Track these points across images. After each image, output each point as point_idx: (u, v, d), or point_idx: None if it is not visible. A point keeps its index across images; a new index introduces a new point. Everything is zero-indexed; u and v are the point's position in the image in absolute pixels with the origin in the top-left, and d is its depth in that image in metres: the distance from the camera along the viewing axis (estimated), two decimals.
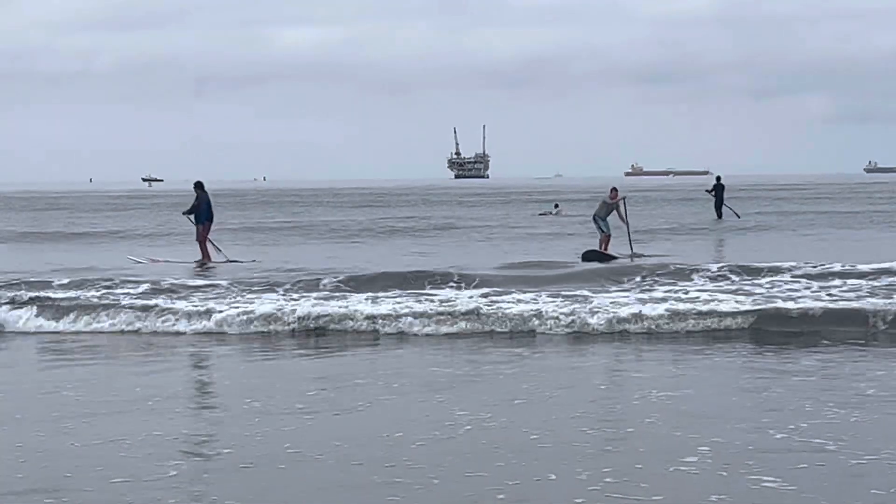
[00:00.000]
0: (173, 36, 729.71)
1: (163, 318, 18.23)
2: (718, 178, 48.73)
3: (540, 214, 55.16)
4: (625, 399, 12.32)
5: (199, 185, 28.48)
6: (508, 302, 18.68)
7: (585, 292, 19.50)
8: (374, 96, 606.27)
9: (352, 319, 17.87)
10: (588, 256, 27.41)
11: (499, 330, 17.53)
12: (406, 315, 17.87)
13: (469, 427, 10.69)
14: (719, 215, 46.85)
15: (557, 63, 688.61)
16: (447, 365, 14.72)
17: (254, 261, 27.96)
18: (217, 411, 11.81)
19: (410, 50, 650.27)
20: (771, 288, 19.86)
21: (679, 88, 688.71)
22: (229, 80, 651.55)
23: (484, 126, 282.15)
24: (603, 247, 28.91)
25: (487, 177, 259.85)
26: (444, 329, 17.54)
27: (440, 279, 21.21)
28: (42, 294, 19.68)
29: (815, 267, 21.43)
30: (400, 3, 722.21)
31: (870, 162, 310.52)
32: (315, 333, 17.62)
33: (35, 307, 18.94)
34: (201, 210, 28.09)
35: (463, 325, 17.63)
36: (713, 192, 47.47)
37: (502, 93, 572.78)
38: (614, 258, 27.27)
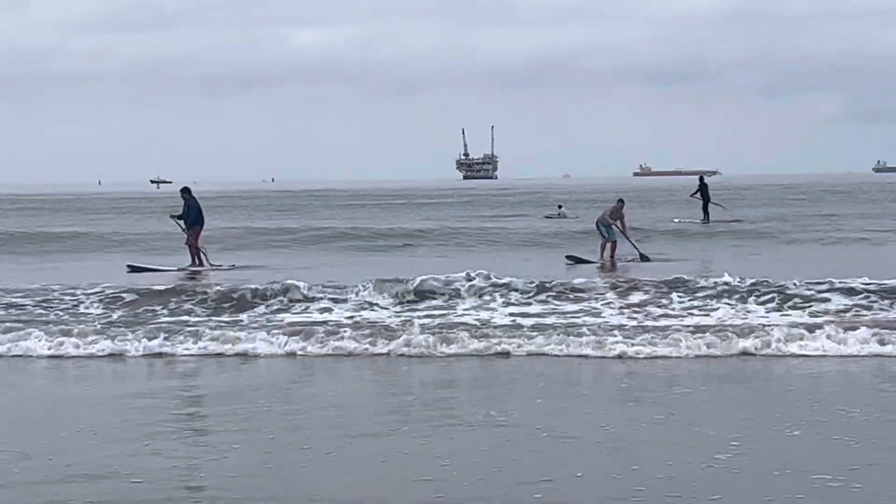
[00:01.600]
0: (183, 37, 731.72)
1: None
2: (702, 178, 46.80)
3: (545, 217, 54.39)
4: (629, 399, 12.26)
5: (186, 191, 28.53)
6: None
7: None
8: (382, 97, 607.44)
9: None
10: (571, 259, 28.67)
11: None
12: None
13: (481, 427, 10.62)
14: (707, 218, 44.67)
15: (566, 63, 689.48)
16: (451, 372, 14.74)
17: (233, 266, 27.95)
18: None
19: (419, 50, 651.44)
20: None
21: (688, 88, 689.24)
22: (238, 81, 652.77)
23: (492, 127, 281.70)
24: (606, 252, 28.86)
25: (496, 178, 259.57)
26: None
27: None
28: None
29: None
30: (409, 4, 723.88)
31: (879, 161, 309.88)
32: None
33: None
34: (190, 215, 27.84)
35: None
36: (699, 194, 44.87)
37: (510, 93, 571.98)
38: (590, 262, 28.06)
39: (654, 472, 8.82)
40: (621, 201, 29.79)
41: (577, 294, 19.72)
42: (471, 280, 20.23)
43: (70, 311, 19.56)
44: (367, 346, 15.78)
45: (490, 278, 20.30)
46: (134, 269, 27.15)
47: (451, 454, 9.55)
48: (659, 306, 18.75)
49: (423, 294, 19.92)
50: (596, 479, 8.72)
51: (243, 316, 18.82)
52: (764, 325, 16.48)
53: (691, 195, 46.24)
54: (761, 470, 8.87)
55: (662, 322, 17.40)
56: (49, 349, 16.03)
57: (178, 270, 27.01)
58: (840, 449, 9.60)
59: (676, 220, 46.41)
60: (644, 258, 28.54)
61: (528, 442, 9.99)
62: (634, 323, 17.37)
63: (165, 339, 16.30)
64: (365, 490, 8.52)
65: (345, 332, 16.47)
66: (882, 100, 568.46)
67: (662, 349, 15.12)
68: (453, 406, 11.74)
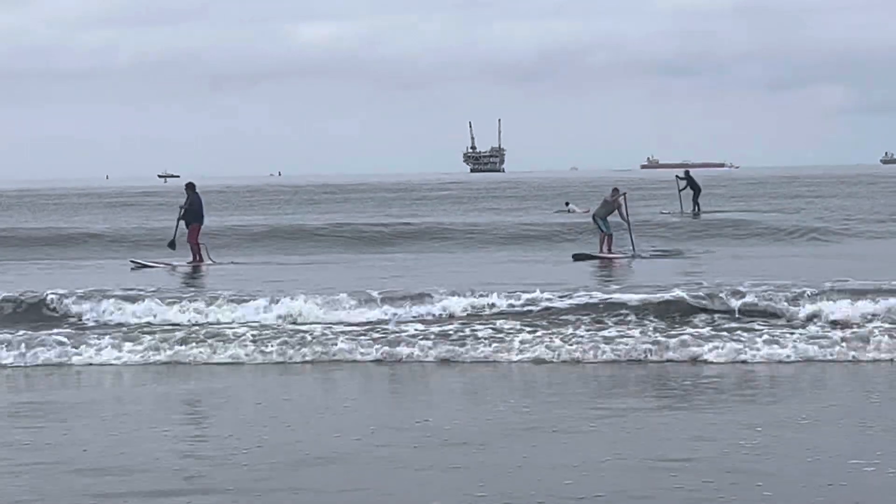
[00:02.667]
0: (190, 32, 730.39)
1: None
2: (687, 172, 46.84)
3: (556, 212, 54.13)
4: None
5: (190, 186, 28.51)
6: None
7: None
8: (389, 91, 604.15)
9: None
10: (579, 257, 27.95)
11: None
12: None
13: (500, 416, 10.88)
14: (698, 210, 44.50)
15: (573, 56, 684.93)
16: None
17: (233, 262, 28.33)
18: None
19: (425, 44, 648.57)
20: None
21: (695, 80, 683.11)
22: (245, 76, 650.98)
23: (499, 120, 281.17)
24: (604, 247, 28.63)
25: (503, 171, 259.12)
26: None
27: None
28: None
29: None
30: None
31: (886, 153, 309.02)
32: None
33: None
34: (192, 211, 27.96)
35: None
36: (687, 185, 44.86)
37: (517, 86, 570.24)
38: (604, 258, 27.69)
39: (682, 458, 8.90)
40: (616, 190, 29.37)
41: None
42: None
43: None
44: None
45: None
46: (137, 266, 27.35)
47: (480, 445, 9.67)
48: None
49: None
50: (620, 468, 8.78)
51: None
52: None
53: (680, 190, 46.24)
54: (795, 456, 8.96)
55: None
56: None
57: (180, 266, 27.18)
58: (861, 436, 9.74)
59: (666, 213, 46.30)
60: (636, 255, 28.31)
61: (550, 433, 10.13)
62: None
63: None
64: (401, 481, 8.66)
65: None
66: (889, 91, 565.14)
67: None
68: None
